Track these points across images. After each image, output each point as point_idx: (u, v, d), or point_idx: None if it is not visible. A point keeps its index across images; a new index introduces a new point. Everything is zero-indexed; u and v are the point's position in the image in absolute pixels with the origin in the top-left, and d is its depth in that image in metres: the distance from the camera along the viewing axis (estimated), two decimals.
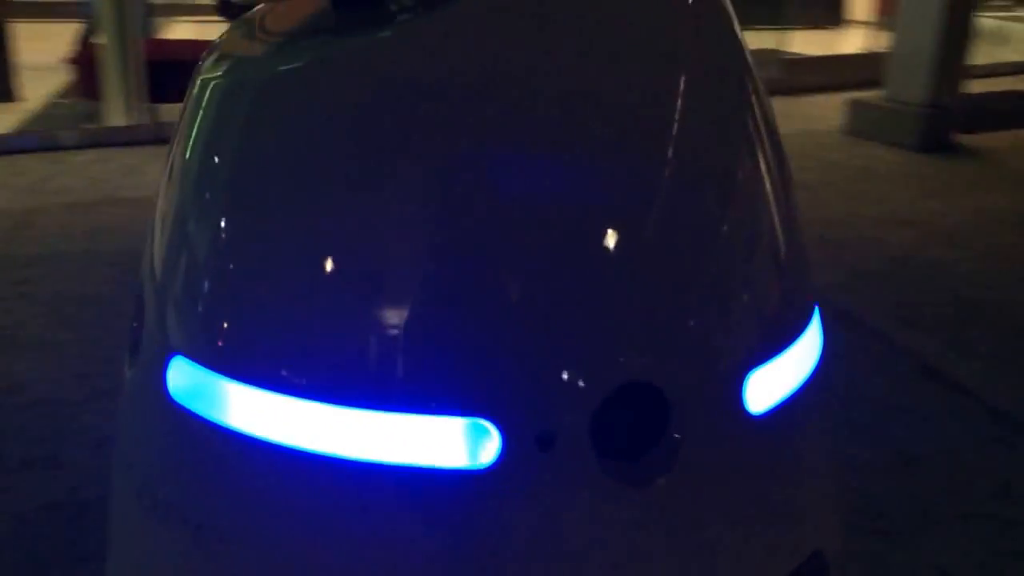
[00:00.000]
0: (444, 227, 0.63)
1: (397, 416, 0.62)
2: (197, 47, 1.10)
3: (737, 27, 0.79)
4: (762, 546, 0.73)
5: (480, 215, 0.64)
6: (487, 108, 0.65)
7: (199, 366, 0.67)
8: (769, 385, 0.71)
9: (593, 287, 0.64)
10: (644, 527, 0.66)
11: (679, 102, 0.71)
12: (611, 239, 0.65)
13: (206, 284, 0.68)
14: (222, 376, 0.66)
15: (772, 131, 0.80)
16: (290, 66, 0.70)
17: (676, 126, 0.71)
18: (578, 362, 0.63)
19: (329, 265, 0.64)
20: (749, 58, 0.79)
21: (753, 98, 0.78)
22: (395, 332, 0.63)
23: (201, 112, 0.73)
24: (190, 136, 0.72)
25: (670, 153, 0.70)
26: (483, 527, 0.63)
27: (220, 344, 0.67)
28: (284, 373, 0.64)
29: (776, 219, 0.78)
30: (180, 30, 7.09)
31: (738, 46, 0.79)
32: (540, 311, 0.63)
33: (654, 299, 0.66)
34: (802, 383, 0.77)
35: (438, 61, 0.65)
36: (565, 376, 0.62)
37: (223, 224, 0.68)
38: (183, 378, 0.68)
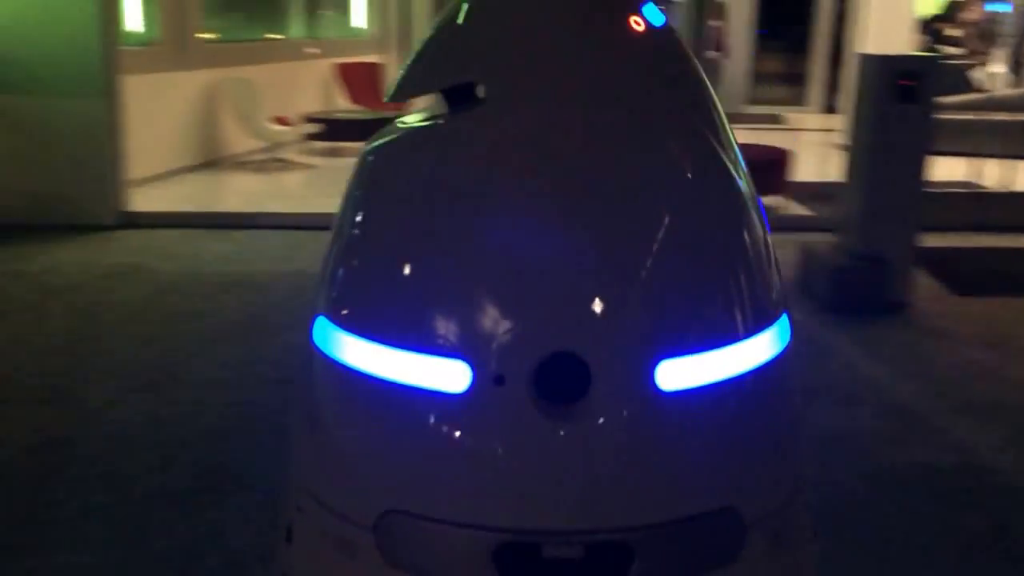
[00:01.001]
0: (461, 253, 1.03)
1: (418, 355, 1.02)
2: None
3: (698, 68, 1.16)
4: (659, 483, 1.03)
5: (483, 244, 1.03)
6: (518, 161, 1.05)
7: (326, 320, 1.11)
8: (684, 372, 1.02)
9: (546, 282, 1.00)
10: (566, 454, 1.00)
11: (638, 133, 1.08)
12: (566, 246, 1.01)
13: (330, 275, 1.13)
14: (334, 326, 1.09)
15: (728, 149, 1.12)
16: (398, 144, 1.12)
17: (631, 150, 1.06)
18: (525, 332, 0.99)
19: (387, 274, 1.07)
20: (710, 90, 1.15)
21: (711, 119, 1.13)
22: (421, 311, 1.04)
23: (353, 174, 1.16)
24: (349, 189, 1.16)
25: (629, 169, 1.04)
26: (462, 426, 1.02)
27: (335, 309, 1.10)
28: (362, 327, 1.07)
29: (720, 237, 1.08)
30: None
31: (703, 83, 1.16)
32: (508, 297, 1.01)
33: (594, 293, 1.01)
34: (733, 377, 1.05)
35: (483, 140, 1.07)
36: (515, 341, 0.99)
37: (343, 245, 1.13)
38: (319, 329, 1.12)
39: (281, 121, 8.34)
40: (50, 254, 5.20)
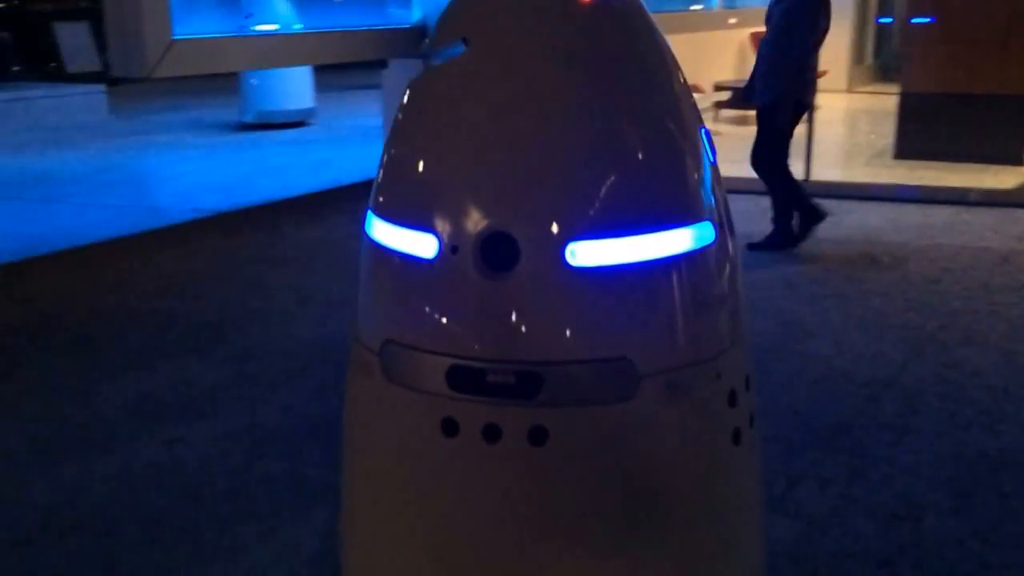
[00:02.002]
0: (437, 159, 1.48)
1: (406, 230, 1.48)
2: None
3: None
4: (564, 333, 1.42)
5: (452, 152, 1.46)
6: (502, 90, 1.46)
7: (371, 212, 1.57)
8: (589, 252, 1.40)
9: (493, 180, 1.42)
10: (499, 306, 1.42)
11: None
12: (512, 153, 1.42)
13: (379, 176, 1.58)
14: (369, 212, 1.57)
15: (679, 83, 1.51)
16: (414, 80, 1.57)
17: (578, 81, 1.43)
18: (474, 216, 1.41)
19: (392, 172, 1.54)
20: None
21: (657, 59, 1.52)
22: (409, 199, 1.50)
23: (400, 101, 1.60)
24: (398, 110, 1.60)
25: (575, 92, 1.42)
26: (430, 282, 1.46)
27: (371, 200, 1.58)
28: (379, 210, 1.54)
29: (640, 153, 1.42)
30: None
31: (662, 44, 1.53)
32: (466, 190, 1.44)
33: (526, 189, 1.41)
34: (635, 262, 1.41)
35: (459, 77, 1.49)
36: (467, 222, 1.42)
37: (387, 151, 1.57)
38: (368, 220, 1.58)
39: (694, 89, 8.77)
40: None
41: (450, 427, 1.46)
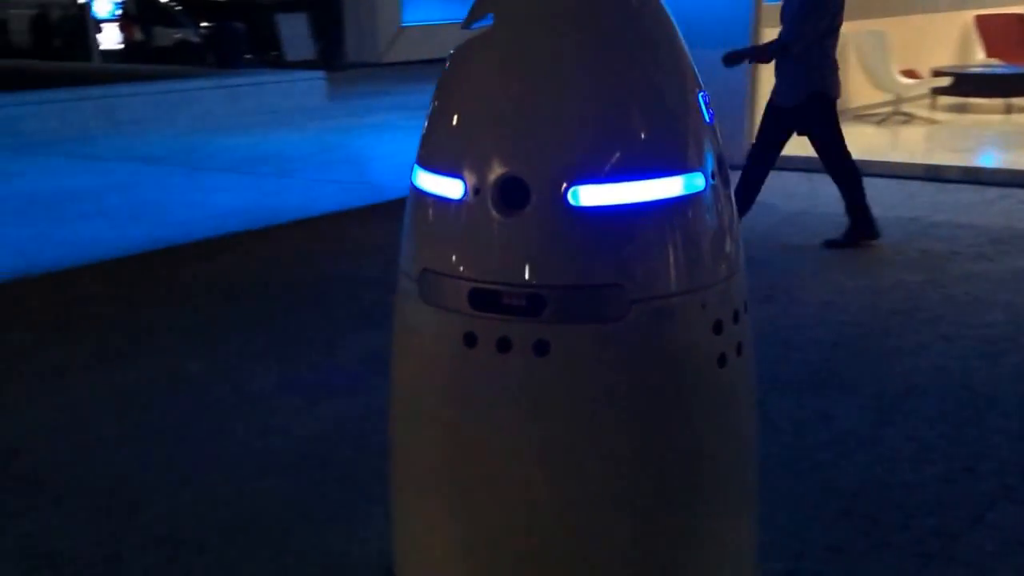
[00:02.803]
0: (464, 116, 1.79)
1: (439, 176, 1.80)
2: None
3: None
4: (565, 262, 1.71)
5: (477, 111, 1.78)
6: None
7: (416, 165, 1.89)
8: (590, 195, 1.68)
9: (510, 132, 1.72)
10: (512, 239, 1.71)
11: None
12: (529, 111, 1.71)
13: (423, 132, 1.89)
14: (415, 163, 1.88)
15: (679, 53, 1.79)
16: (457, 48, 1.85)
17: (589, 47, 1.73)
18: (493, 163, 1.72)
19: (431, 129, 1.86)
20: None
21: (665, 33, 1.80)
22: (444, 150, 1.81)
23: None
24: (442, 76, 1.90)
25: (587, 60, 1.72)
26: (457, 219, 1.77)
27: (417, 152, 1.88)
28: (421, 160, 1.85)
29: (645, 104, 1.71)
30: None
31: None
32: (487, 142, 1.74)
33: (537, 141, 1.70)
34: (630, 203, 1.69)
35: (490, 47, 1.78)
36: (487, 168, 1.72)
37: (430, 111, 1.87)
38: (413, 170, 1.90)
39: (909, 74, 8.47)
40: None
41: (470, 340, 1.78)
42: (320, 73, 14.10)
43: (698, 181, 1.77)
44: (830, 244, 5.61)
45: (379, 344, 3.79)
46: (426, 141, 1.88)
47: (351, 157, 9.39)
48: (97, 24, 21.53)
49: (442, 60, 1.96)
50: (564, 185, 1.70)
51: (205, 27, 20.45)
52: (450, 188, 1.79)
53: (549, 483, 1.80)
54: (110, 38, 21.44)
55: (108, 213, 6.89)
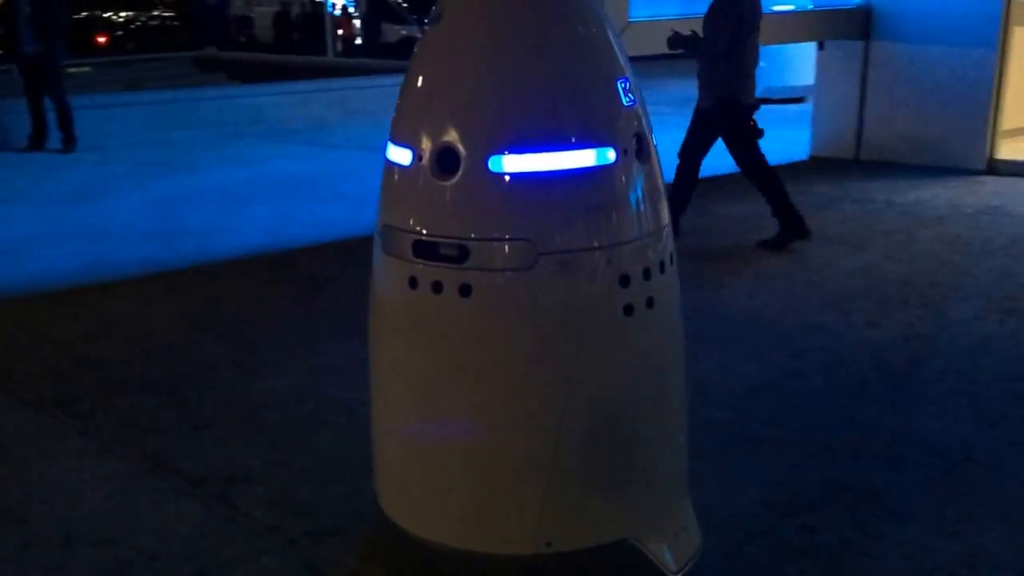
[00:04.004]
0: (416, 98, 2.22)
1: (396, 147, 2.23)
2: None
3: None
4: (484, 220, 2.09)
5: (425, 92, 2.20)
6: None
7: (389, 140, 2.30)
8: (508, 163, 2.06)
9: (448, 110, 2.13)
10: (446, 199, 2.12)
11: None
12: (464, 92, 2.12)
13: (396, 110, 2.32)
14: (390, 142, 2.29)
15: (601, 46, 2.14)
16: (421, 39, 2.28)
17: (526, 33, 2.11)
18: (432, 135, 2.13)
19: (397, 109, 2.28)
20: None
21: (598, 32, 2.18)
22: (400, 125, 2.24)
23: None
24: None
25: (521, 47, 2.10)
26: (405, 181, 2.21)
27: (393, 130, 2.29)
28: (391, 136, 2.27)
29: (561, 88, 2.08)
30: None
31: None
32: (430, 118, 2.15)
33: (469, 118, 2.10)
34: (542, 171, 2.06)
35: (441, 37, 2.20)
36: (428, 139, 2.13)
37: (402, 88, 2.29)
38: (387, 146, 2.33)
39: None
40: (921, 190, 7.01)
41: (413, 283, 2.20)
42: None
43: (610, 155, 2.13)
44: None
45: None
46: (393, 119, 2.31)
47: None
48: (334, 20, 23.60)
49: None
50: (488, 154, 2.09)
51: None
52: (402, 156, 2.22)
53: (477, 407, 2.20)
54: (344, 33, 23.43)
55: (344, 197, 7.48)
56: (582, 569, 2.25)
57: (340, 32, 24.55)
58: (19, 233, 6.50)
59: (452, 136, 2.12)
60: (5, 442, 3.28)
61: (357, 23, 25.53)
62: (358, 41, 24.54)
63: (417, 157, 2.17)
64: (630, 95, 2.18)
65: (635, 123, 2.18)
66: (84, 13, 27.86)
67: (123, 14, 30.15)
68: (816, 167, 8.31)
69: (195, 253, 5.79)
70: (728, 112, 5.56)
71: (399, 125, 2.26)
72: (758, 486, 2.91)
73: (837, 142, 8.56)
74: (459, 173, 2.11)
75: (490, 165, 2.09)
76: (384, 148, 2.31)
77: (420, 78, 2.23)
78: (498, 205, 2.11)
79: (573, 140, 2.10)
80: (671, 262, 2.28)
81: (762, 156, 5.64)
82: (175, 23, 30.65)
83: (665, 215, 2.28)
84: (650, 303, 2.19)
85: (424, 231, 2.16)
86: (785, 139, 9.62)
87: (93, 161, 9.19)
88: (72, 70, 11.07)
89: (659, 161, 2.28)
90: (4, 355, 4.12)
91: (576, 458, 2.19)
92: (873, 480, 2.94)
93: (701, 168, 5.84)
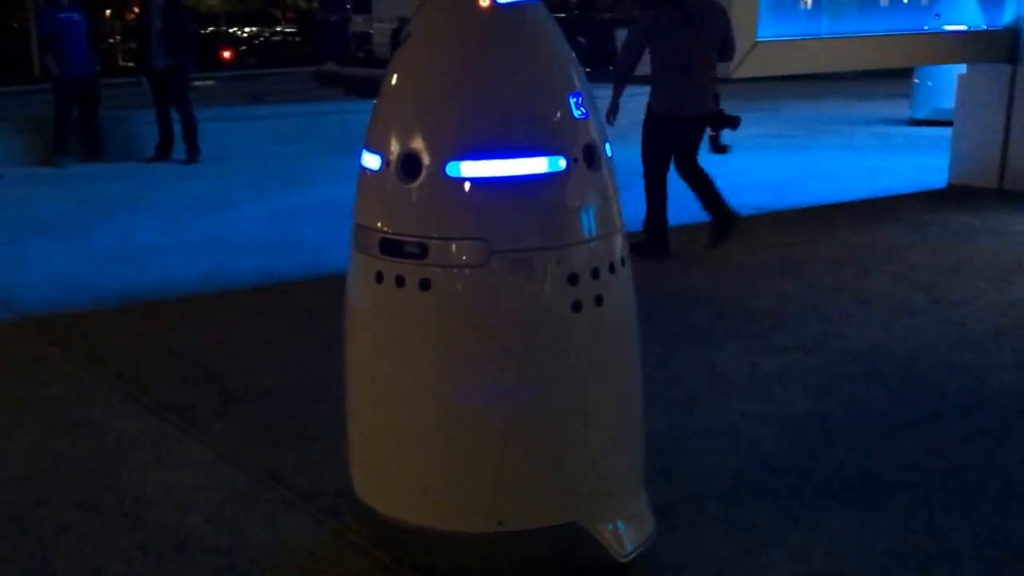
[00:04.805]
0: (383, 111, 2.48)
1: (369, 153, 2.46)
2: None
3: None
4: (442, 218, 2.34)
5: (391, 106, 2.47)
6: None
7: (364, 148, 2.55)
8: (464, 169, 2.30)
9: (413, 120, 2.38)
10: (410, 200, 2.37)
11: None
12: (427, 104, 2.39)
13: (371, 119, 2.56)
14: (365, 151, 2.54)
15: (556, 65, 2.39)
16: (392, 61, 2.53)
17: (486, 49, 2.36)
18: (398, 144, 2.38)
19: (373, 119, 2.51)
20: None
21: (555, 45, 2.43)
22: (372, 134, 2.47)
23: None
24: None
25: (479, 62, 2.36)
26: (374, 185, 2.46)
27: (367, 138, 2.53)
28: (366, 144, 2.51)
29: (516, 100, 2.34)
30: None
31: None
32: (395, 128, 2.41)
33: (430, 128, 2.35)
34: (496, 176, 2.28)
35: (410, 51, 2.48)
36: (394, 147, 2.38)
37: (377, 99, 2.55)
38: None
39: None
40: None
41: (379, 277, 2.43)
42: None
43: (561, 163, 2.35)
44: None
45: (715, 363, 4.17)
46: (368, 127, 2.54)
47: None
48: None
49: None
50: (446, 160, 2.33)
51: None
52: (373, 162, 2.47)
53: (434, 393, 2.41)
54: None
55: None
56: (533, 548, 2.46)
57: None
58: (143, 241, 6.81)
59: (415, 144, 2.37)
60: (125, 446, 3.42)
61: None
62: None
63: (385, 163, 2.42)
64: (582, 109, 2.41)
65: (586, 134, 2.40)
66: (210, 28, 29.05)
67: (247, 30, 31.35)
68: (955, 196, 8.10)
69: (310, 265, 5.95)
70: (648, 119, 6.03)
71: (371, 133, 2.50)
72: (890, 535, 2.79)
73: (979, 170, 8.28)
74: (421, 177, 2.35)
75: (448, 170, 2.33)
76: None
77: (390, 91, 2.48)
78: (455, 207, 2.35)
79: (525, 148, 2.33)
80: (622, 264, 2.49)
81: (659, 170, 6.00)
82: (296, 39, 31.70)
83: (616, 220, 2.48)
84: (599, 301, 2.40)
85: (389, 230, 2.41)
86: (920, 165, 9.35)
87: (215, 172, 9.61)
88: (198, 83, 11.45)
89: (612, 170, 2.49)
90: (126, 361, 4.30)
91: (526, 444, 2.40)
92: (1021, 535, 2.78)
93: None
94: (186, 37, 10.27)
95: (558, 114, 2.38)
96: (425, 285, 2.35)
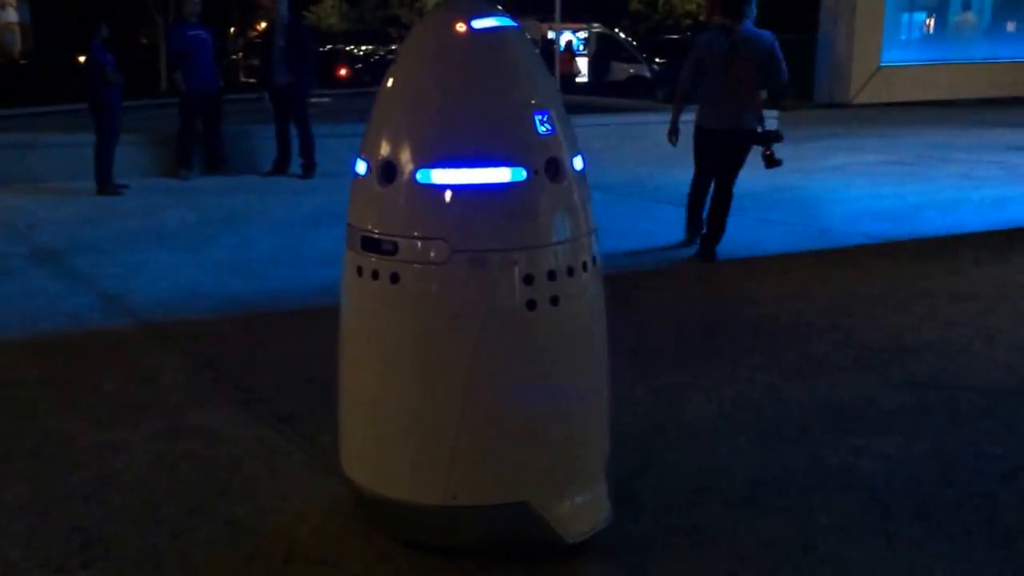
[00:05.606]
0: (374, 122, 2.79)
1: (360, 161, 2.78)
2: None
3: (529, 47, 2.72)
4: (415, 218, 2.64)
5: (380, 118, 2.78)
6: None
7: (357, 157, 2.87)
8: (437, 176, 2.61)
9: (394, 128, 2.70)
10: (387, 201, 2.69)
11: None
12: (409, 114, 2.70)
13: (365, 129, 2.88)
14: (358, 158, 2.86)
15: (525, 84, 2.68)
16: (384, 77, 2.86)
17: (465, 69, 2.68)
18: (379, 151, 2.68)
19: (371, 127, 2.83)
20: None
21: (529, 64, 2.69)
22: (364, 143, 2.78)
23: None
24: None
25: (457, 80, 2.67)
26: (362, 189, 2.78)
27: (360, 146, 2.85)
28: (358, 152, 2.83)
29: (482, 115, 2.63)
30: None
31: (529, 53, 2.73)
32: (379, 136, 2.71)
33: (409, 136, 2.65)
34: (467, 184, 2.58)
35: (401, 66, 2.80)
36: (376, 154, 2.69)
37: (373, 107, 2.87)
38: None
39: None
40: None
41: (360, 271, 2.76)
42: (774, 113, 14.38)
43: (523, 173, 2.62)
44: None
45: (831, 397, 4.07)
46: (362, 136, 2.85)
47: (802, 199, 9.29)
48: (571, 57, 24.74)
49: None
50: (417, 167, 2.63)
51: (658, 64, 22.66)
52: (361, 167, 2.79)
53: (400, 374, 2.71)
54: (562, 70, 24.20)
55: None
56: (485, 524, 2.73)
57: (581, 69, 25.70)
58: (259, 253, 7.09)
59: (393, 152, 2.68)
60: (236, 454, 3.53)
61: (579, 61, 26.08)
62: (579, 79, 25.02)
63: (369, 168, 2.74)
64: (547, 125, 2.67)
65: (550, 148, 2.67)
66: (328, 46, 29.83)
67: (363, 48, 32.07)
68: None
69: None
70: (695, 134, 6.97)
71: (363, 142, 2.82)
72: None
73: None
74: (395, 182, 2.66)
75: (419, 177, 2.63)
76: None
77: (379, 104, 2.80)
78: (422, 209, 2.64)
79: (490, 159, 2.61)
80: (584, 268, 2.73)
81: (697, 177, 7.06)
82: None
83: (580, 227, 2.72)
84: (555, 301, 2.66)
85: (369, 229, 2.72)
86: None
87: (329, 188, 9.96)
88: (315, 100, 11.77)
89: (577, 182, 2.74)
90: (241, 370, 4.45)
91: (480, 426, 2.66)
92: None
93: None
94: (307, 55, 10.63)
95: (523, 130, 2.66)
96: (395, 279, 2.66)
